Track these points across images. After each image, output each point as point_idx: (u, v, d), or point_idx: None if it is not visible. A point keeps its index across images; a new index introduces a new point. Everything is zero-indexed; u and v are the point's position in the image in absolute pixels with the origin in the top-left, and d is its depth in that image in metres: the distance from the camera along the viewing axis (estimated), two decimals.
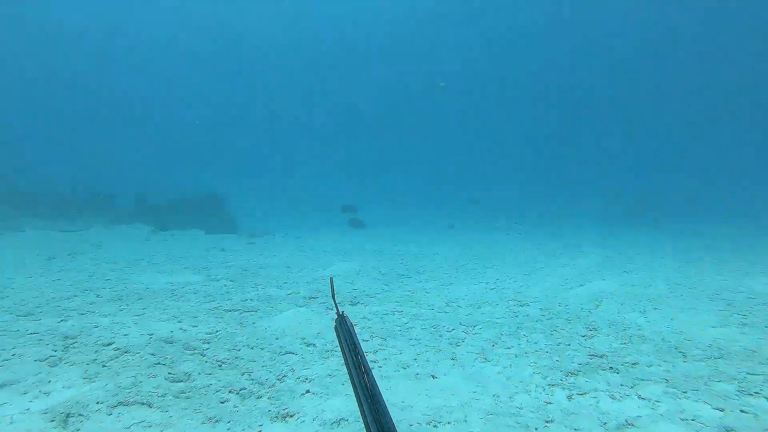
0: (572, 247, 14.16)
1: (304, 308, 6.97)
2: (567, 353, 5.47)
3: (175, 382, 4.41)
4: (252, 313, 6.85)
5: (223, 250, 13.00)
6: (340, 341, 1.53)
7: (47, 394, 4.09)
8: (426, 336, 5.94)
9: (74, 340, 5.38)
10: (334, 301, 1.75)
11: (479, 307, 7.32)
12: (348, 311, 6.96)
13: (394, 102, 61.75)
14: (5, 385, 4.23)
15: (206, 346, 5.37)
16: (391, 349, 5.48)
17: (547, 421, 3.98)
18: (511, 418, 4.02)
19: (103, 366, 4.67)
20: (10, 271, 9.52)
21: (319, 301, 7.51)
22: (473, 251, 13.23)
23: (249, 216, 19.75)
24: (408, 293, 8.18)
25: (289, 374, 4.71)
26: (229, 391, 4.28)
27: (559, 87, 56.87)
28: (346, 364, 1.40)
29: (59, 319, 6.22)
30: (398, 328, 6.25)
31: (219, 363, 4.89)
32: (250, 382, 4.50)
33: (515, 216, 24.39)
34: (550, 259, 11.68)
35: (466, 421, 3.99)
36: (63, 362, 4.76)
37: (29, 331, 5.69)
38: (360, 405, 1.19)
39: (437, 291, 8.37)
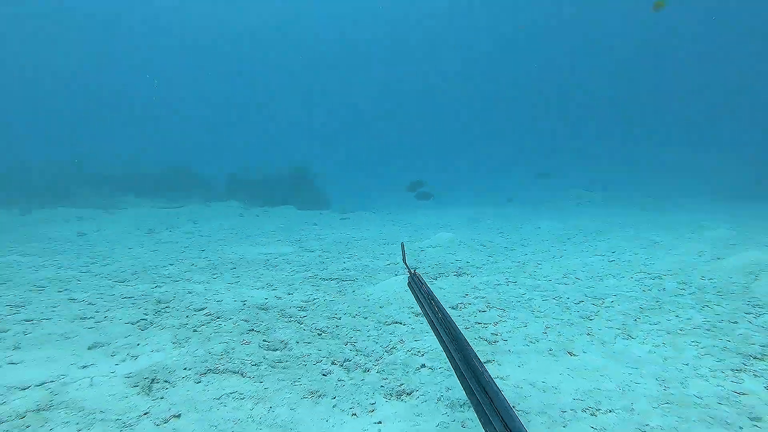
0: (689, 222, 12.27)
1: (404, 278, 6.23)
2: (737, 332, 4.26)
3: (270, 350, 3.81)
4: (351, 282, 6.21)
5: (315, 224, 12.64)
6: (416, 295, 1.67)
7: (135, 357, 3.64)
8: (550, 308, 4.96)
9: (166, 305, 5.00)
10: (405, 262, 1.95)
11: (602, 280, 6.17)
12: (453, 282, 6.15)
13: (456, 78, 59.33)
14: (95, 347, 3.85)
15: (303, 313, 4.77)
16: (512, 321, 4.57)
17: (753, 419, 2.91)
18: (696, 410, 3.00)
19: (194, 331, 4.19)
20: (112, 243, 9.68)
21: (421, 272, 6.73)
22: (572, 224, 11.85)
23: (340, 193, 19.47)
24: (517, 264, 7.18)
25: (398, 346, 3.97)
26: (332, 362, 3.61)
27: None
28: (425, 313, 1.54)
29: (153, 285, 5.94)
30: (515, 298, 5.32)
31: (318, 331, 4.25)
32: (355, 352, 3.81)
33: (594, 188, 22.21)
34: (668, 233, 10.08)
35: (633, 410, 3.02)
36: (153, 326, 4.34)
37: (124, 295, 5.41)
38: (444, 346, 1.27)
39: (549, 262, 7.29)
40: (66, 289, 5.76)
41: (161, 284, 6.02)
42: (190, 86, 53.85)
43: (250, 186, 16.42)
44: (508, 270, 6.77)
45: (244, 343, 3.87)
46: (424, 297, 1.65)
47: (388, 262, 7.45)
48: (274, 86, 58.64)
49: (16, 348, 3.84)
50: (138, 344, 3.90)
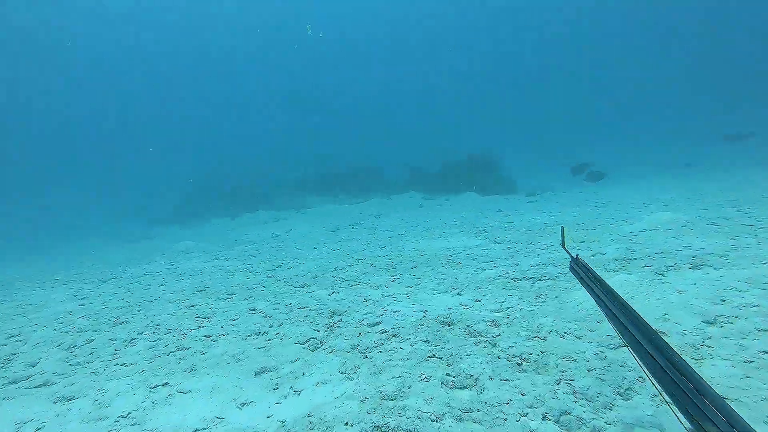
0: None
1: (622, 274, 4.74)
2: None
3: (456, 388, 2.87)
4: (550, 281, 4.98)
5: (499, 210, 11.45)
6: (581, 279, 1.63)
7: (297, 393, 3.03)
8: None
9: (340, 318, 4.43)
10: (565, 248, 1.98)
11: None
12: (690, 278, 4.46)
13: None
14: (261, 373, 3.38)
15: (496, 331, 3.73)
16: None
17: None
18: None
19: (365, 357, 3.46)
20: (300, 243, 9.86)
21: (641, 265, 5.13)
22: None
23: (524, 174, 17.74)
24: None
25: (637, 386, 2.70)
26: (543, 417, 2.51)
27: None
28: (594, 295, 1.46)
29: (330, 291, 5.50)
30: None
31: (518, 360, 3.17)
32: (573, 398, 2.65)
33: None
34: None
35: None
36: (323, 347, 3.75)
37: (301, 305, 5.03)
38: (617, 325, 1.18)
39: None
40: (250, 297, 5.65)
41: (339, 290, 5.56)
42: (355, 84, 56.09)
43: (429, 176, 15.84)
44: None
45: (423, 380, 2.99)
46: (593, 282, 1.53)
47: (592, 254, 5.96)
48: (443, 75, 57.81)
49: (191, 371, 3.57)
50: (303, 373, 3.30)
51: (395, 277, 5.99)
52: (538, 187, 15.27)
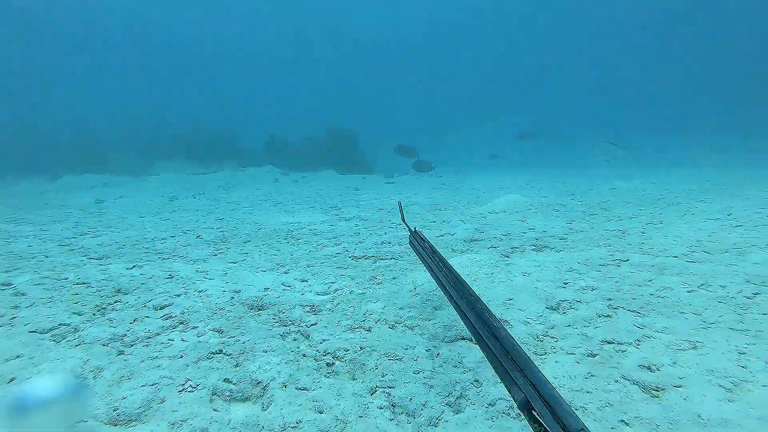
0: None
1: (470, 254, 4.32)
2: None
3: (232, 401, 2.06)
4: (392, 261, 4.40)
5: (357, 189, 10.88)
6: (417, 252, 1.62)
7: None
8: (709, 305, 2.92)
9: (117, 300, 3.35)
10: (405, 222, 1.95)
11: (744, 254, 4.01)
12: (537, 258, 4.20)
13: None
14: None
15: (313, 318, 2.99)
16: (666, 337, 2.59)
17: None
18: None
19: (120, 354, 2.49)
20: (126, 211, 8.30)
21: (485, 245, 4.81)
22: (650, 182, 9.43)
23: (383, 157, 17.39)
24: (616, 233, 5.13)
25: (472, 394, 2.14)
26: None
27: None
28: (431, 271, 1.48)
29: (130, 266, 4.33)
30: (644, 290, 3.30)
31: (330, 360, 2.45)
32: (390, 418, 1.99)
33: None
34: None
35: None
36: (71, 339, 2.69)
37: (80, 281, 3.83)
38: (449, 296, 1.20)
39: (657, 231, 5.18)
40: (15, 269, 4.27)
41: (143, 263, 4.42)
42: (222, 45, 51.94)
43: (288, 150, 14.71)
44: (607, 242, 4.72)
45: (187, 389, 2.12)
46: (427, 254, 1.53)
47: (441, 233, 5.57)
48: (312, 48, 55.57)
49: None
50: (14, 378, 2.23)
51: (219, 251, 5.01)
52: (396, 170, 15.04)
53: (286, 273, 4.07)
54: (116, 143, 15.61)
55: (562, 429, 0.75)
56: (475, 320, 1.13)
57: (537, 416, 0.81)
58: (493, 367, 1.01)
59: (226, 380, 2.17)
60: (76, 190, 11.89)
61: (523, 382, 0.89)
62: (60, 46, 43.45)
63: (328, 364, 2.36)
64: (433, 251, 1.59)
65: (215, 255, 4.83)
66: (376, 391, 2.13)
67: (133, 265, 4.38)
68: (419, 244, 1.79)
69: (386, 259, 4.48)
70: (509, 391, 0.94)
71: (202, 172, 13.32)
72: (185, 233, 6.05)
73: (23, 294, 3.47)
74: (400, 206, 2.05)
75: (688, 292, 3.23)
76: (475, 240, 5.15)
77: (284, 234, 5.90)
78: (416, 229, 1.81)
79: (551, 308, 3.01)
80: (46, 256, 4.82)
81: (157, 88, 43.22)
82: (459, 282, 1.31)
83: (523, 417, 0.97)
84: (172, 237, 5.78)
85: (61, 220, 7.32)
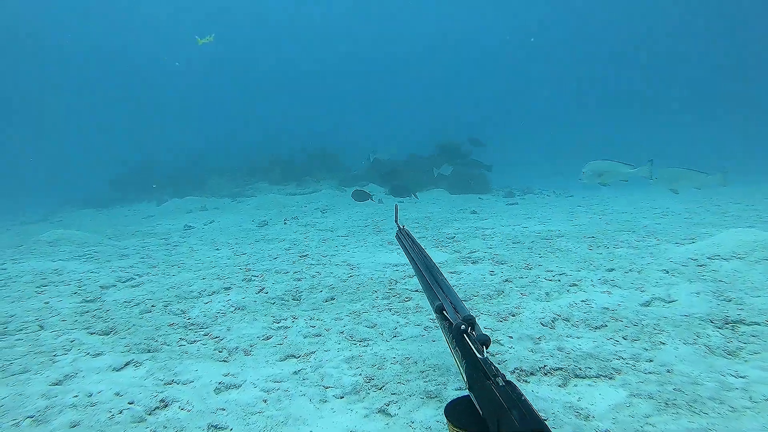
0: None
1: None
2: None
3: None
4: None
5: (474, 212, 8.44)
6: (402, 244, 1.79)
7: None
8: None
9: None
10: (397, 222, 2.07)
11: None
12: None
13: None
14: None
15: None
16: None
17: None
18: None
19: None
20: (208, 239, 6.70)
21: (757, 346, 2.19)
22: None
23: (500, 173, 14.59)
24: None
25: None
26: None
27: None
28: (413, 262, 1.58)
29: (120, 364, 2.38)
30: None
31: None
32: None
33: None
34: None
35: None
36: None
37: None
38: (417, 268, 1.35)
39: None
40: None
41: (143, 360, 2.46)
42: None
43: (394, 169, 12.58)
44: None
45: None
46: (410, 245, 1.73)
47: (647, 301, 2.99)
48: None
49: None
50: None
51: (279, 324, 2.94)
52: (515, 188, 12.33)
53: (386, 406, 1.83)
54: (220, 165, 14.79)
55: (457, 315, 1.04)
56: (426, 273, 1.38)
57: (444, 313, 1.10)
58: (426, 292, 1.35)
59: None
60: (174, 214, 10.83)
61: (442, 297, 1.19)
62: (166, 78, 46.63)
63: None
64: (413, 242, 1.77)
65: (267, 338, 2.74)
66: None
67: (125, 362, 2.42)
68: (404, 238, 1.90)
69: (586, 377, 2.06)
70: (431, 304, 1.23)
71: (301, 193, 11.72)
72: (248, 281, 4.08)
73: None
74: (396, 208, 2.30)
75: None
76: (732, 323, 2.53)
77: (385, 286, 3.71)
78: (404, 226, 2.00)
79: None
80: (41, 327, 3.07)
81: (260, 109, 44.44)
82: (426, 258, 1.51)
83: (436, 317, 1.12)
84: (226, 291, 3.82)
85: (128, 254, 5.81)
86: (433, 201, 10.64)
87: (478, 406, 0.80)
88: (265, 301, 3.48)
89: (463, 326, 0.92)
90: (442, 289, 1.28)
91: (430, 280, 1.37)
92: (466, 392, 0.88)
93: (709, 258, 3.83)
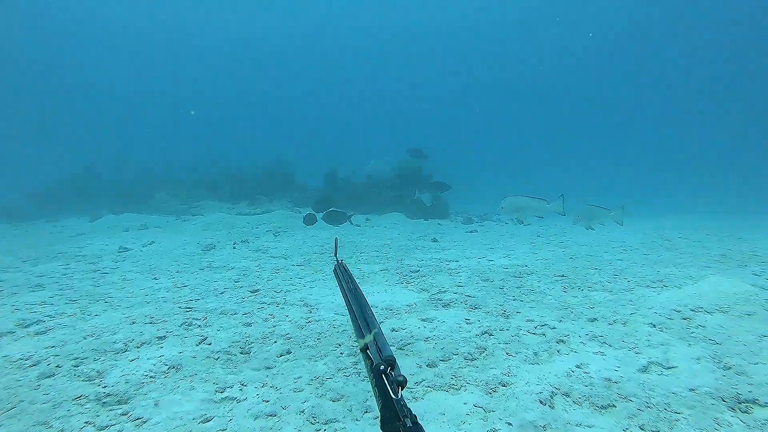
0: None
1: None
2: None
3: None
4: None
5: (435, 240, 8.01)
6: (338, 279, 1.69)
7: None
8: None
9: None
10: (336, 256, 1.92)
11: None
12: None
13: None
14: None
15: None
16: None
17: None
18: None
19: None
20: (145, 266, 5.85)
21: None
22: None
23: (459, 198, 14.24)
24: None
25: None
26: None
27: None
28: (345, 297, 1.51)
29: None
30: None
31: None
32: None
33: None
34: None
35: None
36: None
37: None
38: (357, 329, 1.22)
39: None
40: None
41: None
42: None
43: (349, 190, 11.92)
44: None
45: None
46: (345, 280, 1.61)
47: (643, 370, 2.61)
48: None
49: None
50: None
51: (224, 396, 2.30)
52: (479, 215, 12.08)
53: None
54: (165, 181, 13.60)
55: (380, 356, 0.98)
56: (355, 306, 1.31)
57: (368, 352, 1.04)
58: (354, 329, 1.22)
59: None
60: (109, 232, 9.71)
61: (368, 335, 1.12)
62: (116, 87, 44.24)
63: None
64: (350, 278, 1.64)
65: (206, 420, 2.10)
66: None
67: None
68: (341, 271, 1.75)
69: None
70: (358, 341, 1.13)
71: (252, 213, 10.87)
72: (188, 326, 3.38)
73: None
74: (336, 241, 2.01)
75: None
76: (745, 402, 2.19)
77: (349, 338, 3.13)
78: (342, 260, 1.81)
79: None
80: None
81: (209, 123, 43.00)
82: (359, 295, 1.44)
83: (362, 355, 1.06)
84: (159, 341, 3.11)
85: (44, 284, 4.90)
86: (391, 226, 10.15)
87: None
88: (208, 356, 2.82)
89: (382, 366, 0.94)
90: (369, 326, 1.25)
91: (359, 316, 1.34)
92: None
93: (692, 310, 3.54)
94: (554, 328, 3.27)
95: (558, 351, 2.85)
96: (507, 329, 3.25)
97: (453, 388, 2.39)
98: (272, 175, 13.18)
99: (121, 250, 7.39)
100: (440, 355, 2.80)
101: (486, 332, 3.20)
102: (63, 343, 3.04)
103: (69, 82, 44.15)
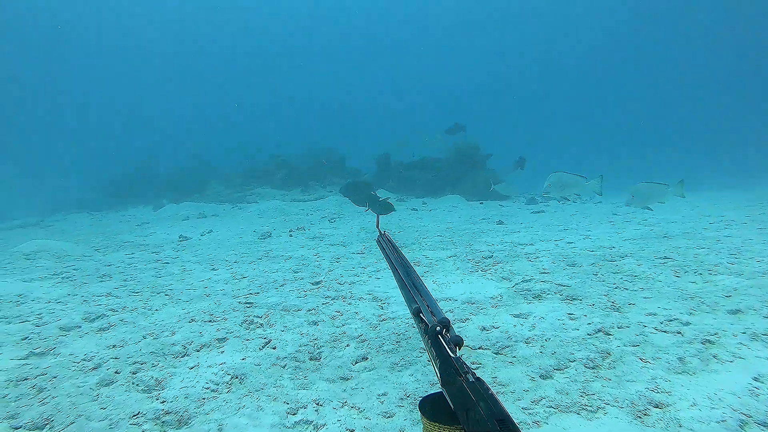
0: None
1: None
2: None
3: None
4: None
5: (500, 222, 7.40)
6: (384, 251, 1.71)
7: None
8: None
9: None
10: (378, 228, 2.01)
11: None
12: None
13: None
14: None
15: None
16: None
17: None
18: None
19: None
20: (203, 255, 5.65)
21: None
22: None
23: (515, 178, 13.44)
24: None
25: None
26: None
27: None
28: (392, 265, 1.50)
29: None
30: None
31: None
32: None
33: None
34: None
35: None
36: None
37: None
38: (408, 296, 1.22)
39: None
40: None
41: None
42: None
43: (402, 171, 11.44)
44: None
45: None
46: (390, 250, 1.64)
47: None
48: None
49: None
50: None
51: (297, 419, 1.89)
52: (534, 192, 11.28)
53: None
54: (220, 167, 13.65)
55: (433, 318, 0.97)
56: (405, 277, 1.31)
57: (422, 316, 1.05)
58: (404, 296, 1.26)
59: None
60: (170, 220, 9.76)
61: (420, 300, 1.12)
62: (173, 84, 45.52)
63: None
64: (393, 247, 1.68)
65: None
66: None
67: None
68: (384, 243, 1.83)
69: None
70: (410, 307, 1.15)
71: (306, 199, 10.62)
72: (249, 326, 3.03)
73: None
74: (378, 218, 2.21)
75: None
76: None
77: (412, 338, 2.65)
78: (385, 231, 1.88)
79: None
80: None
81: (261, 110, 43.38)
82: (405, 262, 1.47)
83: (414, 320, 1.08)
84: (219, 343, 2.77)
85: (111, 274, 4.77)
86: (449, 209, 9.58)
87: (449, 401, 0.80)
88: (273, 364, 2.44)
89: (438, 328, 0.91)
90: (419, 292, 1.22)
91: (408, 283, 1.30)
92: (440, 389, 0.84)
93: None
94: (688, 323, 2.66)
95: (714, 356, 2.24)
96: (627, 326, 2.67)
97: (586, 409, 1.86)
98: (325, 161, 12.87)
99: (181, 239, 7.30)
100: (553, 362, 2.27)
101: (600, 330, 2.64)
102: (123, 343, 2.76)
103: (137, 80, 46.09)
